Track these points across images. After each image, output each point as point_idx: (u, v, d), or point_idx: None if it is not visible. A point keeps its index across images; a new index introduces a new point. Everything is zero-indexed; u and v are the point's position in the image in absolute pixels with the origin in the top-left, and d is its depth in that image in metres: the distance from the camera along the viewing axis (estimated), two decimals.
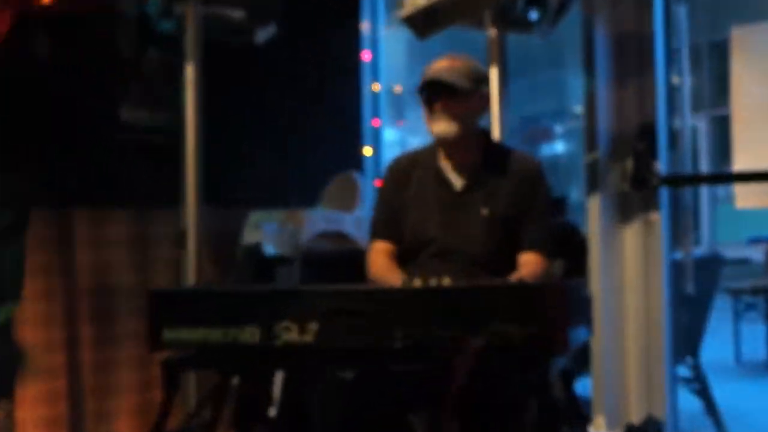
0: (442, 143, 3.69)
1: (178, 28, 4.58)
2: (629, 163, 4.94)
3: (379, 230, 3.80)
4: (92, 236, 4.72)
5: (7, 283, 3.13)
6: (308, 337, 2.90)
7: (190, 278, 4.39)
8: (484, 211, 3.62)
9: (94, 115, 4.79)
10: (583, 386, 4.84)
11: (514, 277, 3.49)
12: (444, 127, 3.63)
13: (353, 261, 3.89)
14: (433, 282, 3.01)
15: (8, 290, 3.14)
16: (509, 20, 4.72)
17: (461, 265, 3.51)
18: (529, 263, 3.59)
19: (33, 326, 4.10)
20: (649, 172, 4.91)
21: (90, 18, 3.78)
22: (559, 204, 5.31)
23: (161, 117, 5.08)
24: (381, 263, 3.71)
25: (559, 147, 24.36)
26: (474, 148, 3.71)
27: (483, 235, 3.61)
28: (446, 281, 3.06)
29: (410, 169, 3.79)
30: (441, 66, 3.64)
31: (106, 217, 4.80)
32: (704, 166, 17.87)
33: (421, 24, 4.52)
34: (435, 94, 3.61)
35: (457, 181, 3.70)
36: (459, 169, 3.71)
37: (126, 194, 4.83)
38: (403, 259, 3.73)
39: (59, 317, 4.57)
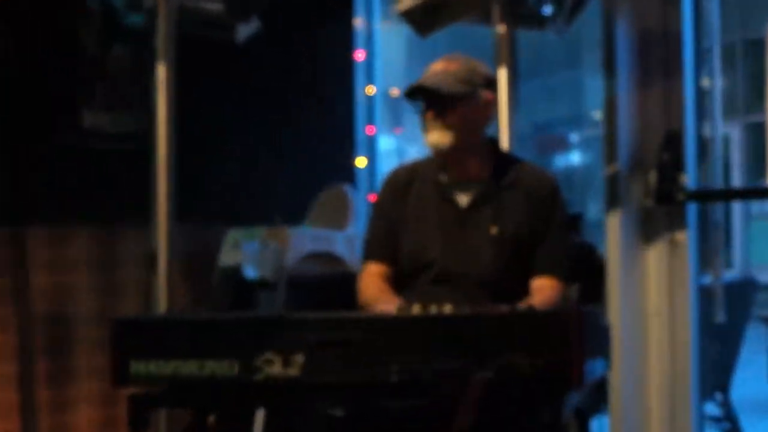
0: (439, 155, 3.70)
1: (148, 22, 4.58)
2: (653, 176, 4.96)
3: (372, 251, 3.79)
4: (50, 257, 4.73)
5: None
6: (293, 371, 2.90)
7: (161, 305, 4.39)
8: (493, 230, 3.62)
9: (51, 119, 4.80)
10: (600, 426, 4.84)
11: (525, 304, 3.50)
12: (436, 137, 3.63)
13: (344, 285, 3.89)
14: (433, 309, 3.02)
15: None
16: (520, 15, 4.74)
17: (465, 290, 3.51)
18: (543, 289, 3.60)
19: None
20: (676, 186, 4.93)
21: (47, 8, 3.78)
22: (575, 222, 5.33)
23: (128, 122, 5.09)
24: (374, 287, 3.70)
25: (575, 157, 24.44)
26: (480, 160, 3.71)
27: (491, 256, 3.61)
28: (448, 308, 3.06)
29: (409, 182, 3.79)
30: (433, 69, 3.65)
31: (65, 236, 4.81)
32: (737, 179, 17.92)
33: (422, 19, 4.53)
34: (426, 101, 3.62)
35: (461, 197, 3.70)
36: (464, 183, 3.71)
37: (88, 210, 4.84)
38: (399, 283, 3.73)
39: (12, 349, 4.57)
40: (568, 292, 3.73)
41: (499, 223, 3.64)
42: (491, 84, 3.72)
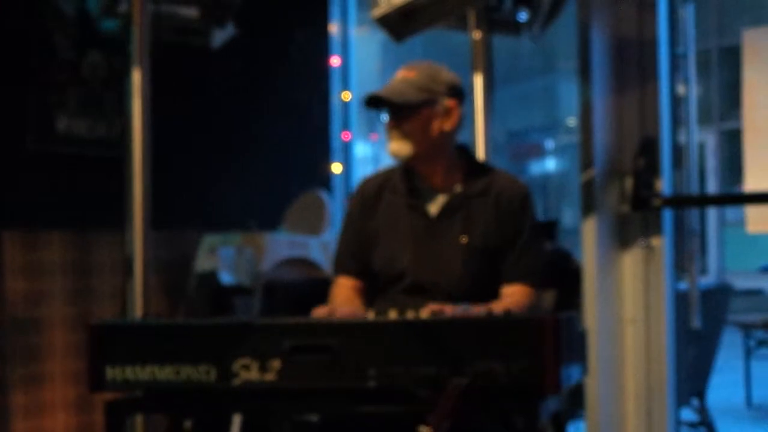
0: (407, 164, 3.70)
1: (124, 27, 4.58)
2: (629, 182, 4.97)
3: (342, 264, 3.79)
4: (24, 262, 4.72)
5: None
6: (270, 376, 2.91)
7: (137, 310, 4.39)
8: (463, 240, 3.62)
9: (25, 124, 4.79)
10: (576, 431, 4.87)
11: (495, 306, 3.50)
12: (395, 147, 3.62)
13: (320, 290, 3.87)
14: (410, 314, 3.02)
15: None
16: (496, 21, 4.75)
17: (437, 299, 3.45)
18: (513, 294, 3.59)
19: None
20: (651, 192, 4.95)
21: (21, 13, 3.77)
22: (551, 228, 5.34)
23: (103, 127, 5.09)
24: (340, 299, 3.70)
25: (550, 164, 24.48)
26: (449, 169, 3.70)
27: (461, 266, 3.61)
28: (425, 313, 3.08)
29: (379, 193, 3.77)
30: (394, 78, 3.63)
31: (40, 241, 4.80)
32: (712, 186, 17.99)
33: (398, 25, 4.53)
34: (385, 111, 3.61)
35: (431, 207, 3.69)
36: (433, 192, 3.70)
37: (63, 215, 4.83)
38: (374, 292, 3.74)
39: None
40: (539, 298, 3.73)
41: (469, 232, 3.63)
42: (455, 91, 3.67)
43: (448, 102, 3.64)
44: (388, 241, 3.70)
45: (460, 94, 3.69)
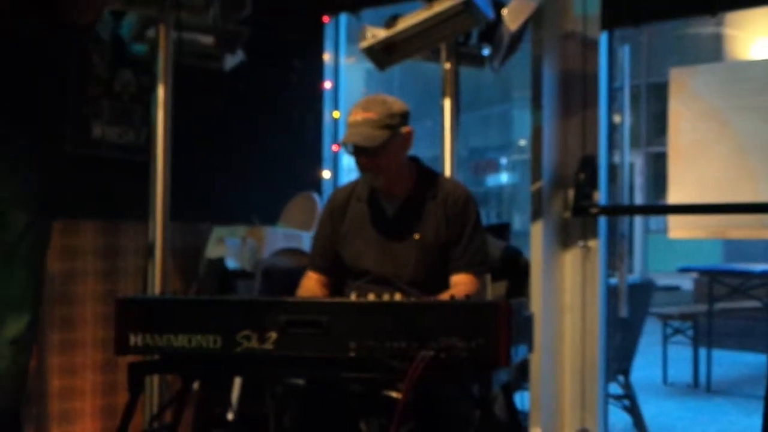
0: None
1: (151, 51, 4.56)
2: (571, 193, 4.98)
3: (313, 262, 3.81)
4: (62, 246, 4.70)
5: (21, 293, 3.09)
6: (268, 346, 2.91)
7: (156, 288, 4.38)
8: (416, 236, 3.63)
9: (66, 131, 4.78)
10: (521, 400, 4.87)
11: (444, 296, 3.50)
12: (371, 179, 3.65)
13: None
14: (386, 296, 3.03)
15: (24, 301, 3.09)
16: (463, 55, 4.76)
17: (397, 290, 3.45)
18: (459, 283, 3.59)
19: None
20: (589, 202, 4.95)
21: (67, 38, 3.76)
22: (504, 230, 5.35)
23: (131, 134, 5.07)
24: (305, 289, 3.73)
25: (503, 177, 24.49)
26: (404, 178, 3.70)
27: (416, 259, 3.62)
28: (397, 296, 3.08)
29: (346, 202, 3.79)
30: (354, 119, 3.59)
31: (76, 228, 4.79)
32: (639, 199, 18.05)
33: (381, 55, 4.53)
34: (357, 152, 3.59)
35: (389, 210, 3.70)
36: (391, 197, 3.71)
37: (96, 207, 4.82)
38: (344, 283, 3.75)
39: None
40: (483, 286, 3.72)
41: (422, 230, 3.64)
42: (406, 117, 3.66)
43: (405, 130, 3.64)
44: (354, 241, 3.72)
45: (409, 116, 3.68)
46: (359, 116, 3.58)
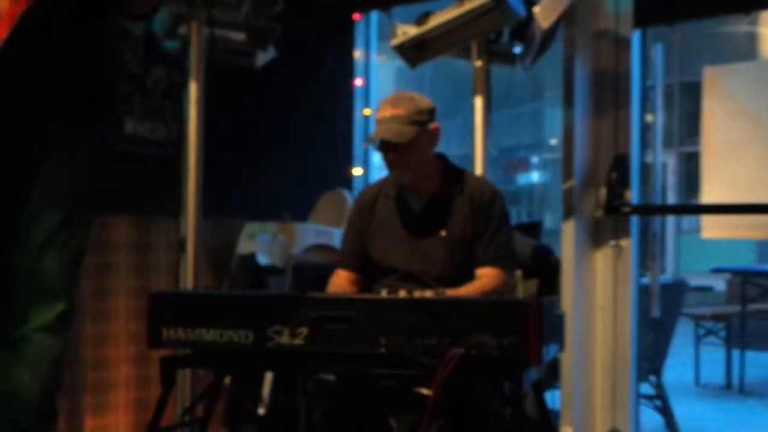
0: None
1: (182, 47, 4.59)
2: (603, 192, 4.97)
3: (343, 260, 3.84)
4: (96, 240, 4.74)
5: (57, 282, 3.12)
6: (298, 341, 2.92)
7: (188, 283, 4.41)
8: (443, 233, 3.64)
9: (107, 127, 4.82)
10: (552, 399, 4.87)
11: (470, 287, 3.51)
12: (399, 175, 3.66)
13: None
14: (417, 293, 3.04)
15: (55, 291, 3.13)
16: (495, 53, 4.76)
17: (425, 286, 3.49)
18: (483, 276, 3.61)
19: None
20: (621, 201, 4.95)
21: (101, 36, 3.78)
22: (535, 229, 5.35)
23: (164, 131, 5.10)
24: (335, 287, 3.75)
25: (535, 176, 24.44)
26: (431, 175, 3.71)
27: (443, 256, 3.64)
28: (429, 293, 3.09)
29: (374, 200, 3.81)
30: (383, 115, 3.61)
31: (109, 224, 4.82)
32: (671, 199, 17.97)
33: (411, 53, 4.54)
34: (385, 148, 3.61)
35: (416, 207, 3.72)
36: (418, 194, 3.72)
37: (129, 202, 4.85)
38: (373, 280, 3.76)
39: None
40: (509, 279, 3.72)
41: (448, 226, 3.65)
42: (433, 113, 3.68)
43: (432, 126, 3.66)
44: (382, 239, 3.74)
45: (435, 113, 3.70)
46: (388, 112, 3.60)
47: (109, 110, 3.18)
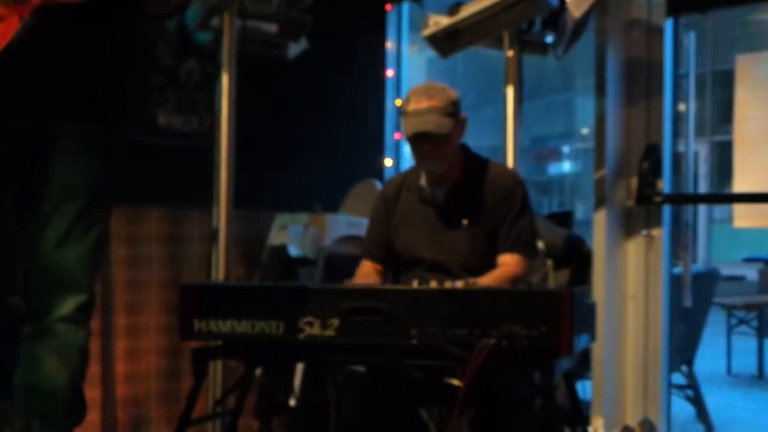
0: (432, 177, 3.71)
1: (215, 39, 4.59)
2: (634, 181, 4.95)
3: (368, 251, 3.84)
4: (128, 232, 4.75)
5: (77, 274, 3.14)
6: (329, 332, 2.92)
7: (220, 275, 4.41)
8: (465, 222, 3.63)
9: (133, 119, 4.82)
10: (583, 389, 4.85)
11: (491, 275, 3.49)
12: (433, 166, 3.64)
13: None
14: (448, 284, 3.03)
15: (76, 282, 3.15)
16: (526, 42, 4.73)
17: (451, 276, 3.48)
18: (506, 263, 3.59)
19: None
20: (653, 191, 4.92)
21: (134, 29, 3.77)
22: (566, 218, 5.33)
23: (196, 123, 5.10)
24: (361, 277, 3.74)
25: (566, 166, 24.37)
26: (454, 165, 3.70)
27: (466, 245, 3.63)
28: (460, 284, 3.08)
29: (398, 193, 3.81)
30: (419, 108, 3.57)
31: (141, 215, 4.83)
32: (703, 189, 17.87)
33: (443, 43, 4.52)
34: (422, 139, 3.58)
35: (439, 197, 3.71)
36: (441, 185, 3.71)
37: (161, 194, 4.85)
38: (397, 271, 3.79)
39: (96, 307, 4.58)
40: (531, 266, 3.71)
41: (470, 215, 3.64)
42: (460, 104, 3.66)
43: (462, 116, 3.66)
44: (406, 230, 3.74)
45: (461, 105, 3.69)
46: (423, 104, 3.57)
47: (122, 107, 3.19)
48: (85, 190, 3.06)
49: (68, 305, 3.05)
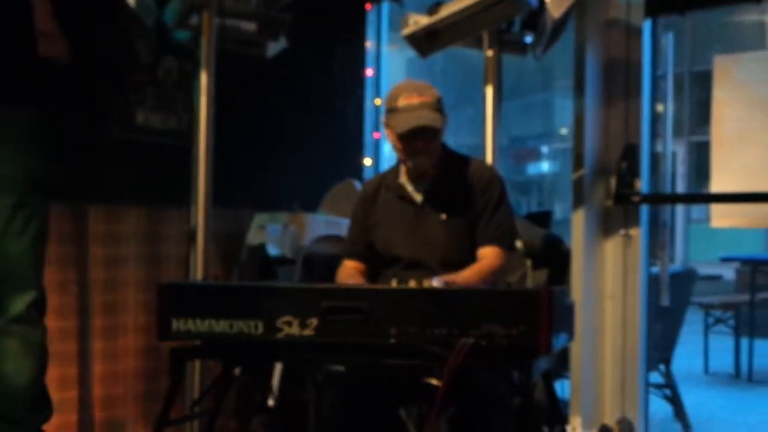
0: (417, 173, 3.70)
1: (194, 38, 4.56)
2: (613, 181, 4.96)
3: (348, 250, 3.85)
4: (105, 231, 4.72)
5: (22, 270, 3.11)
6: (308, 332, 2.91)
7: (198, 274, 4.39)
8: (443, 216, 3.63)
9: (111, 117, 4.80)
10: (561, 388, 4.85)
11: (471, 269, 3.49)
12: (423, 162, 3.64)
13: None
14: (427, 283, 3.02)
15: (25, 279, 3.12)
16: (506, 42, 4.73)
17: (431, 272, 3.49)
18: (486, 256, 3.60)
19: (48, 316, 4.10)
20: (631, 191, 4.93)
21: (112, 26, 3.76)
22: (545, 218, 5.33)
23: (174, 121, 5.08)
24: (344, 276, 3.74)
25: (545, 166, 24.41)
26: (435, 161, 3.69)
27: (445, 239, 3.63)
28: (437, 282, 3.07)
29: (376, 192, 3.82)
30: (412, 104, 3.57)
31: (119, 214, 4.80)
32: (680, 189, 17.95)
33: (423, 43, 4.52)
34: (415, 135, 3.57)
35: (417, 195, 3.71)
36: (420, 182, 3.71)
37: (139, 192, 4.83)
38: (378, 270, 3.76)
39: (72, 308, 4.56)
40: (510, 259, 3.71)
41: (448, 211, 3.64)
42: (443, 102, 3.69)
43: (446, 113, 3.65)
44: (385, 230, 3.73)
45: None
46: (415, 100, 3.57)
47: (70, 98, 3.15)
48: (16, 185, 3.02)
49: (19, 304, 3.02)
